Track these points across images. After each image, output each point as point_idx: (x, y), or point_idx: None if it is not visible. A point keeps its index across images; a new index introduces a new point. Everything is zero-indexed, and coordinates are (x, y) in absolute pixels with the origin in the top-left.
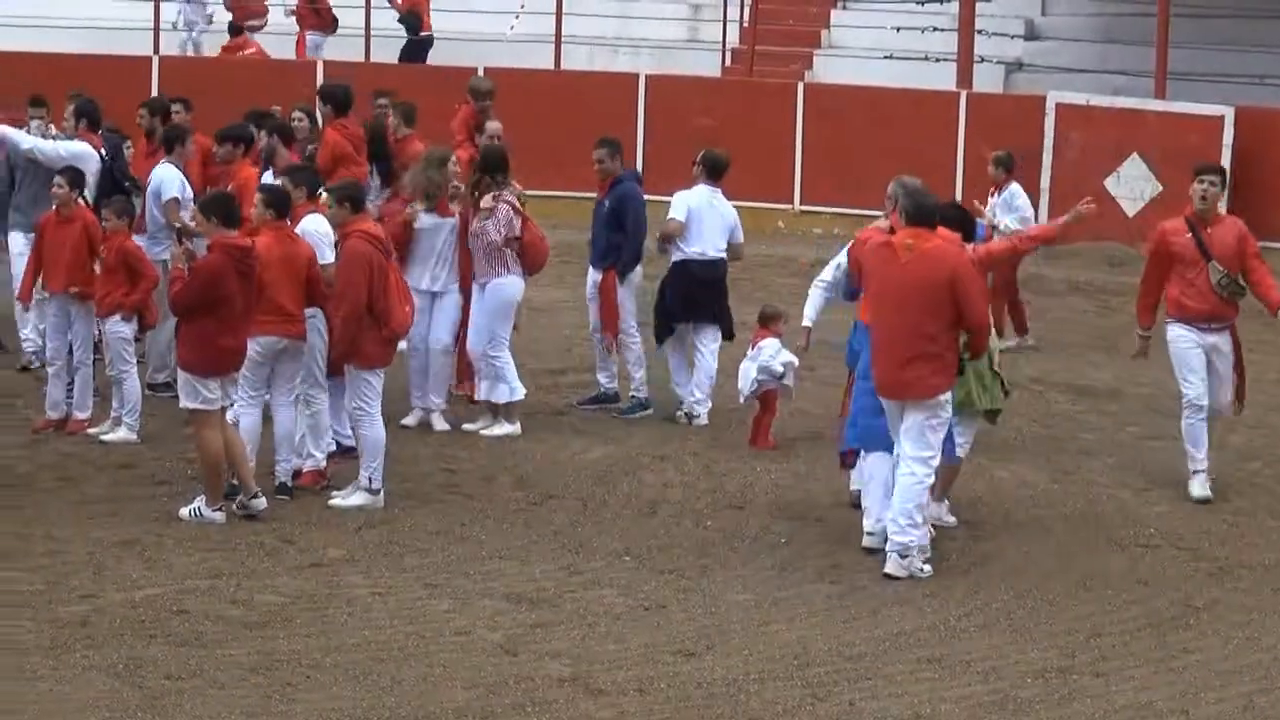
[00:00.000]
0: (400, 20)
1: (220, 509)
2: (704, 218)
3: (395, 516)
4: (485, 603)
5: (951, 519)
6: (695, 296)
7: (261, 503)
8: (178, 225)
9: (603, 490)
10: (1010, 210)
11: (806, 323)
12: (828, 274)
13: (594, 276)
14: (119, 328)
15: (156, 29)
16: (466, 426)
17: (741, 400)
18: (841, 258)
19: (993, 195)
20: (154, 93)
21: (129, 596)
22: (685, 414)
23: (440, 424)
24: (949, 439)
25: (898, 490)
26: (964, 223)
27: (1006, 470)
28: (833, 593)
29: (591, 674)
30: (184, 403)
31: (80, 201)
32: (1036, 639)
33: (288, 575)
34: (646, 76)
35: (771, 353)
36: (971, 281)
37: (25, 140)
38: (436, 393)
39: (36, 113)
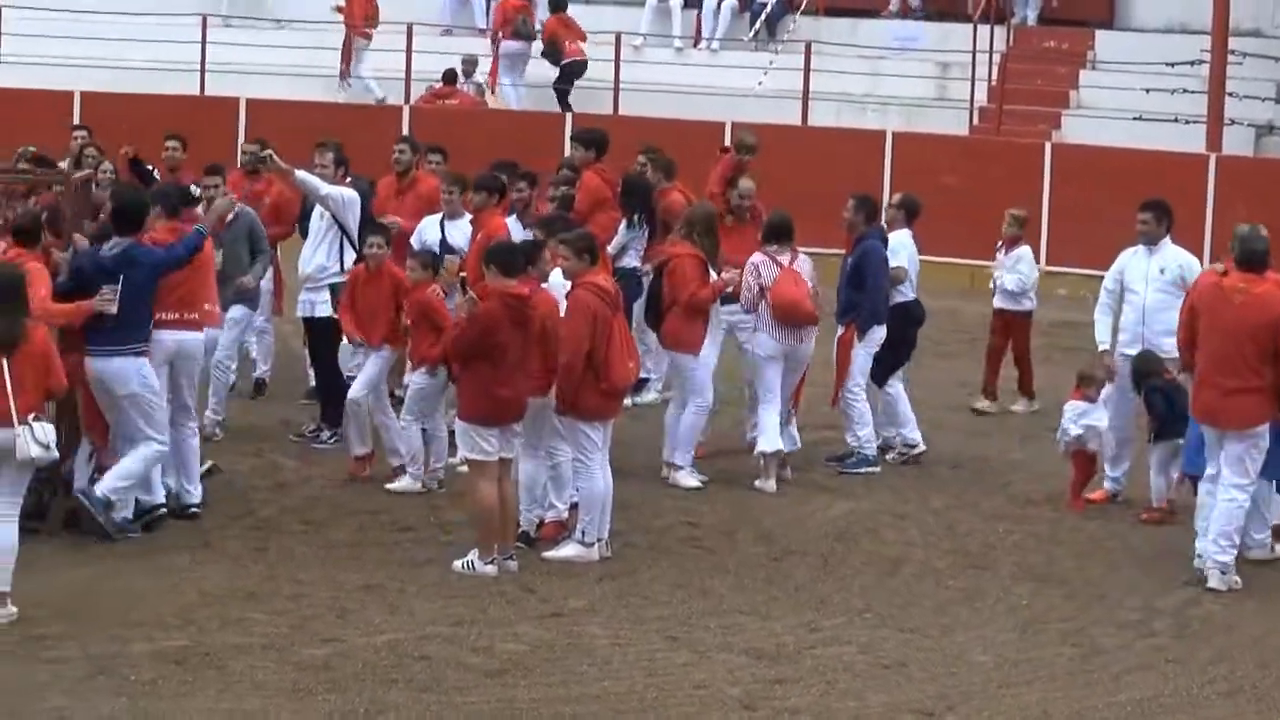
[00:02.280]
0: (543, 54)
1: (493, 562)
2: (914, 262)
3: (636, 568)
4: (725, 657)
5: None
6: (914, 338)
7: (514, 565)
8: (462, 274)
9: (844, 547)
10: (1012, 271)
11: (1104, 346)
12: (1106, 296)
13: (839, 332)
14: (420, 380)
15: (408, 78)
16: (757, 484)
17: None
18: (1109, 281)
19: (1000, 251)
20: None
21: (371, 641)
22: (907, 446)
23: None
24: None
25: (1220, 513)
26: None
27: (1250, 536)
28: (1074, 655)
29: None
30: (461, 452)
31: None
32: None
33: (528, 624)
34: (894, 134)
35: (1072, 416)
36: None
37: (323, 186)
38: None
39: (324, 159)
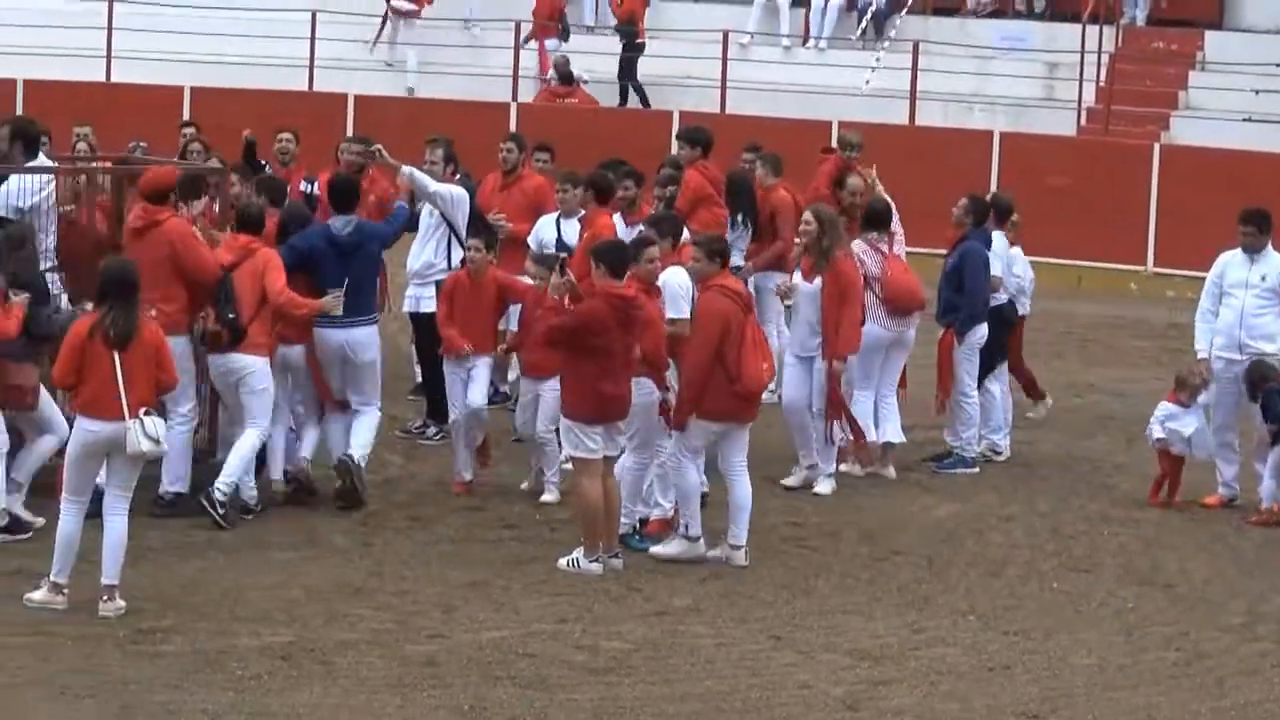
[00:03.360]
0: (617, 29)
1: (598, 560)
2: (1003, 263)
3: (741, 568)
4: (828, 657)
5: None
6: (1005, 340)
7: (619, 563)
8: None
9: (948, 548)
10: (1009, 274)
11: (1203, 355)
12: (1207, 301)
13: (939, 335)
14: (555, 385)
15: (515, 75)
16: (843, 467)
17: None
18: (1210, 286)
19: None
20: None
21: (476, 638)
22: (993, 450)
23: (823, 487)
24: None
25: None
26: None
27: None
28: (1178, 659)
29: None
30: (566, 450)
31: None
32: None
33: (633, 622)
34: (1001, 134)
35: (1160, 416)
36: None
37: (431, 183)
38: (805, 452)
39: (434, 155)
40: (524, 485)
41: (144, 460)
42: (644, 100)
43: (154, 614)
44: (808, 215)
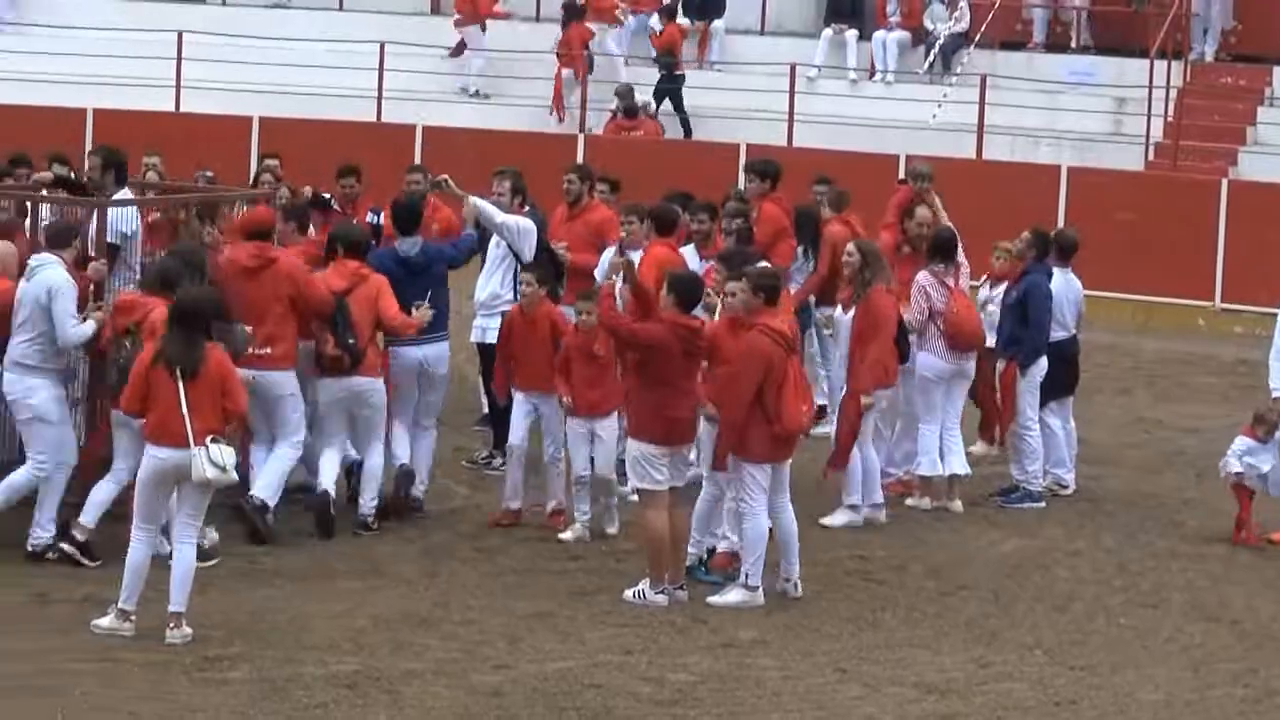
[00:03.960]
0: (656, 59)
1: (664, 591)
2: (1062, 299)
3: (807, 600)
4: (895, 690)
5: None
6: (1063, 375)
7: (684, 594)
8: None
9: (1015, 583)
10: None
11: (1277, 393)
12: (1279, 339)
13: (1000, 368)
14: (610, 424)
15: (584, 107)
16: (909, 502)
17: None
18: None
19: (984, 285)
20: None
21: (541, 669)
22: (1058, 484)
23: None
24: None
25: None
26: None
27: None
28: (1246, 696)
29: None
30: (633, 482)
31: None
32: None
33: (699, 654)
34: (1068, 169)
35: (1237, 450)
36: None
37: (498, 214)
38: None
39: (501, 187)
40: (567, 535)
41: (212, 489)
42: (687, 130)
43: (221, 641)
44: (850, 247)
